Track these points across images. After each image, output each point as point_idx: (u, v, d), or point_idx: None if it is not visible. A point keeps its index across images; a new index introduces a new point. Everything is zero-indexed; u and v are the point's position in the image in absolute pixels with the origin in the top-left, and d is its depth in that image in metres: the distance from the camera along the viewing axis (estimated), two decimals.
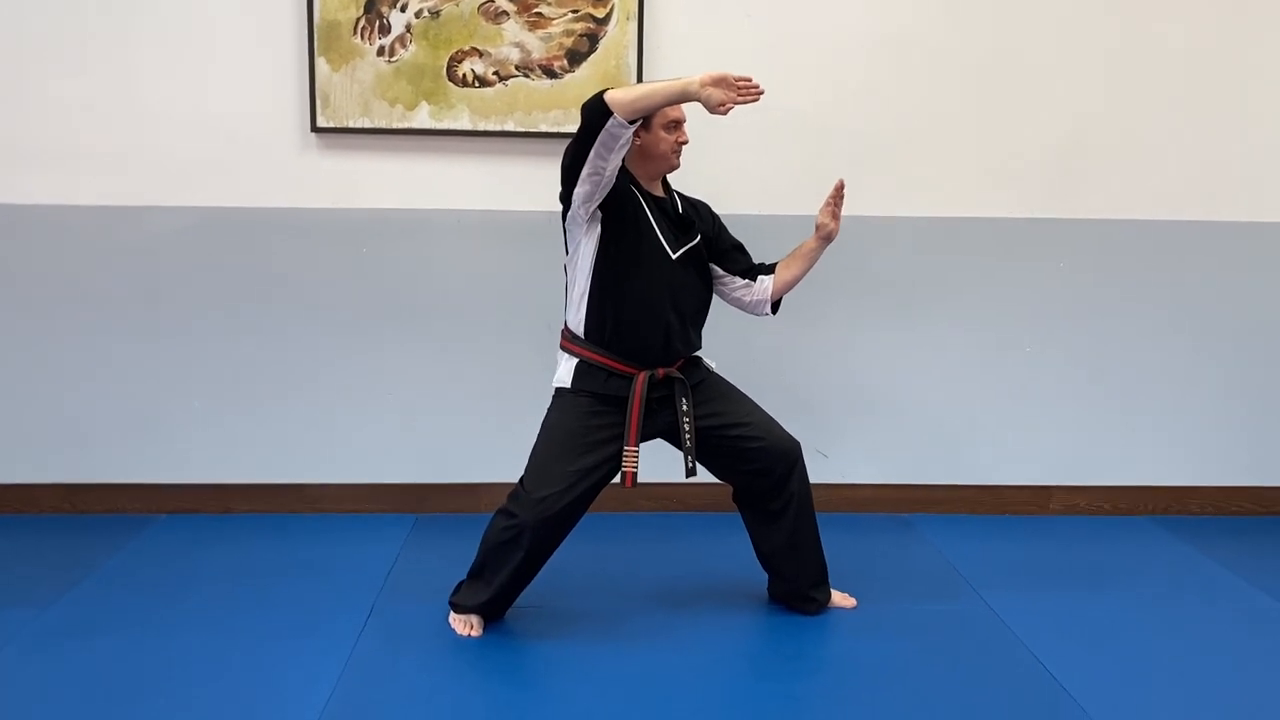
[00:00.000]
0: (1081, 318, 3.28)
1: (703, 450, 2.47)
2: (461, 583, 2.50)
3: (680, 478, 2.44)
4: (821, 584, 2.59)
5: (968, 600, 2.69)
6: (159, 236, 3.10)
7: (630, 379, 2.40)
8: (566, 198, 2.37)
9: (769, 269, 2.59)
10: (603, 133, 2.20)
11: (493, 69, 3.05)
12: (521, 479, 2.40)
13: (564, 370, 2.45)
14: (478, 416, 3.21)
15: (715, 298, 2.60)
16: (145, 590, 2.66)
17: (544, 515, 2.33)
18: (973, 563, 2.92)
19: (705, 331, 2.56)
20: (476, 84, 3.05)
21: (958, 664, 2.35)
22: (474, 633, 2.44)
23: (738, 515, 2.61)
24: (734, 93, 2.20)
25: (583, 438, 2.38)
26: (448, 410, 3.21)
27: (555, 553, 2.44)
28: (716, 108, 2.21)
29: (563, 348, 2.48)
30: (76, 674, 2.24)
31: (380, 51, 3.02)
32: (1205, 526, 3.27)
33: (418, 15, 3.01)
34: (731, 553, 2.82)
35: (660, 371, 2.42)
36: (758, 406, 2.54)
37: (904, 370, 3.28)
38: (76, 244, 3.09)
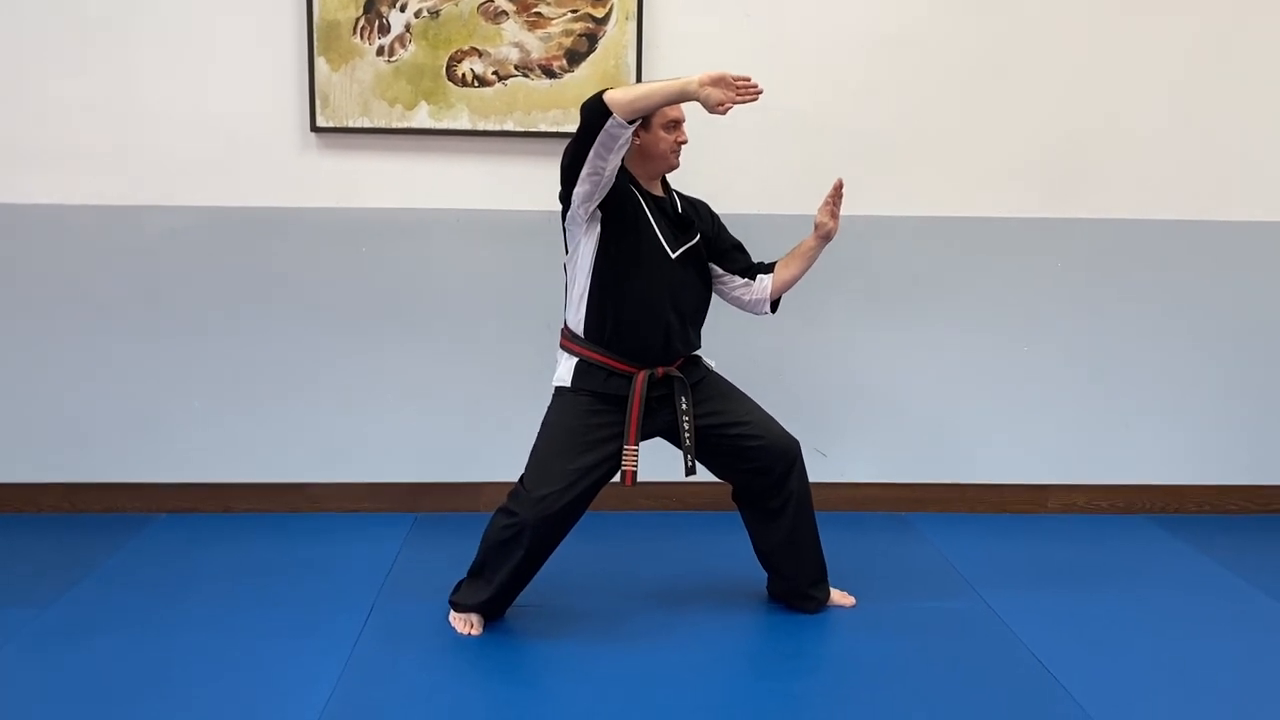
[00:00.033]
0: (1079, 317, 3.29)
1: (702, 449, 2.48)
2: (461, 581, 2.51)
3: (680, 476, 2.45)
4: (821, 582, 2.60)
5: (966, 598, 2.70)
6: (159, 236, 3.10)
7: (630, 378, 2.40)
8: (566, 197, 2.38)
9: (768, 268, 2.60)
10: (602, 133, 2.21)
11: (492, 69, 3.05)
12: (522, 478, 2.41)
13: (564, 369, 2.46)
14: (477, 416, 3.22)
15: (714, 297, 2.60)
16: (145, 589, 2.66)
17: (544, 514, 2.34)
18: (971, 561, 2.93)
19: (704, 330, 2.56)
20: (476, 84, 3.05)
21: (956, 662, 2.36)
22: (474, 631, 2.45)
23: (737, 514, 2.62)
24: (733, 92, 2.21)
25: (583, 436, 2.39)
26: (447, 409, 3.22)
27: (555, 551, 2.45)
28: (715, 107, 2.22)
29: (562, 347, 2.49)
30: (76, 673, 2.24)
31: (380, 51, 3.02)
32: (1202, 525, 3.28)
33: (417, 15, 3.01)
34: (731, 551, 2.82)
35: (660, 370, 2.43)
36: (757, 405, 2.55)
37: (903, 369, 3.28)
38: (76, 244, 3.10)
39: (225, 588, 2.68)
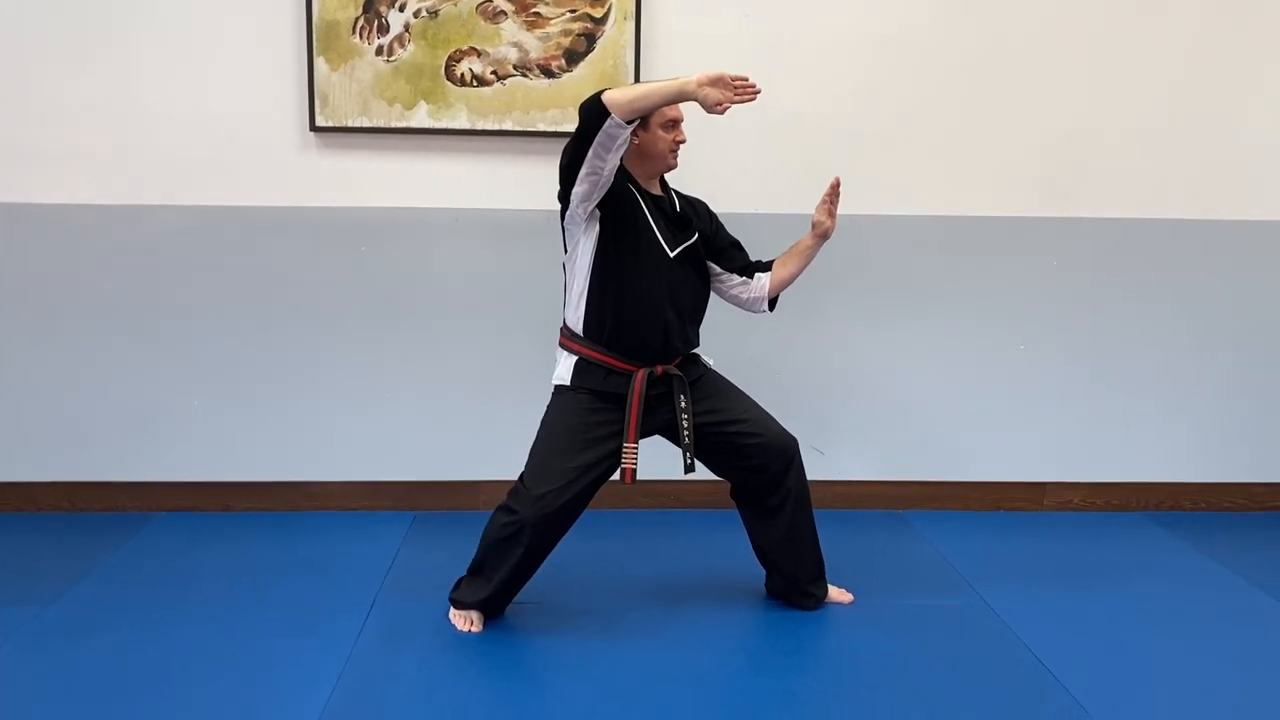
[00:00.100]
0: (1077, 316, 3.30)
1: (701, 447, 2.49)
2: (461, 579, 2.52)
3: (678, 474, 2.46)
4: (819, 579, 2.61)
5: (963, 595, 2.71)
6: (158, 236, 3.11)
7: (629, 376, 2.41)
8: (565, 197, 2.39)
9: (766, 266, 2.61)
10: (600, 133, 2.22)
11: (491, 68, 3.06)
12: (522, 475, 2.42)
13: (563, 368, 2.47)
14: (476, 414, 3.23)
15: (713, 295, 2.61)
16: (145, 588, 2.67)
17: (544, 511, 2.35)
18: (968, 558, 2.94)
19: (703, 329, 2.58)
20: (475, 83, 3.06)
21: (954, 658, 2.37)
22: (474, 628, 2.46)
23: (735, 511, 2.63)
24: (731, 92, 2.22)
25: (582, 434, 2.40)
26: (446, 408, 3.23)
27: (555, 549, 2.46)
28: (714, 107, 2.23)
29: (562, 345, 2.50)
30: (77, 671, 2.25)
31: (379, 51, 3.03)
32: (1198, 522, 3.30)
33: (416, 15, 3.02)
34: (729, 549, 2.84)
35: (659, 369, 2.44)
36: (755, 403, 2.56)
37: (900, 367, 3.30)
38: (76, 243, 3.10)
39: (225, 586, 2.69)
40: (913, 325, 3.28)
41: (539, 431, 2.46)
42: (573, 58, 3.06)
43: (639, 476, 2.43)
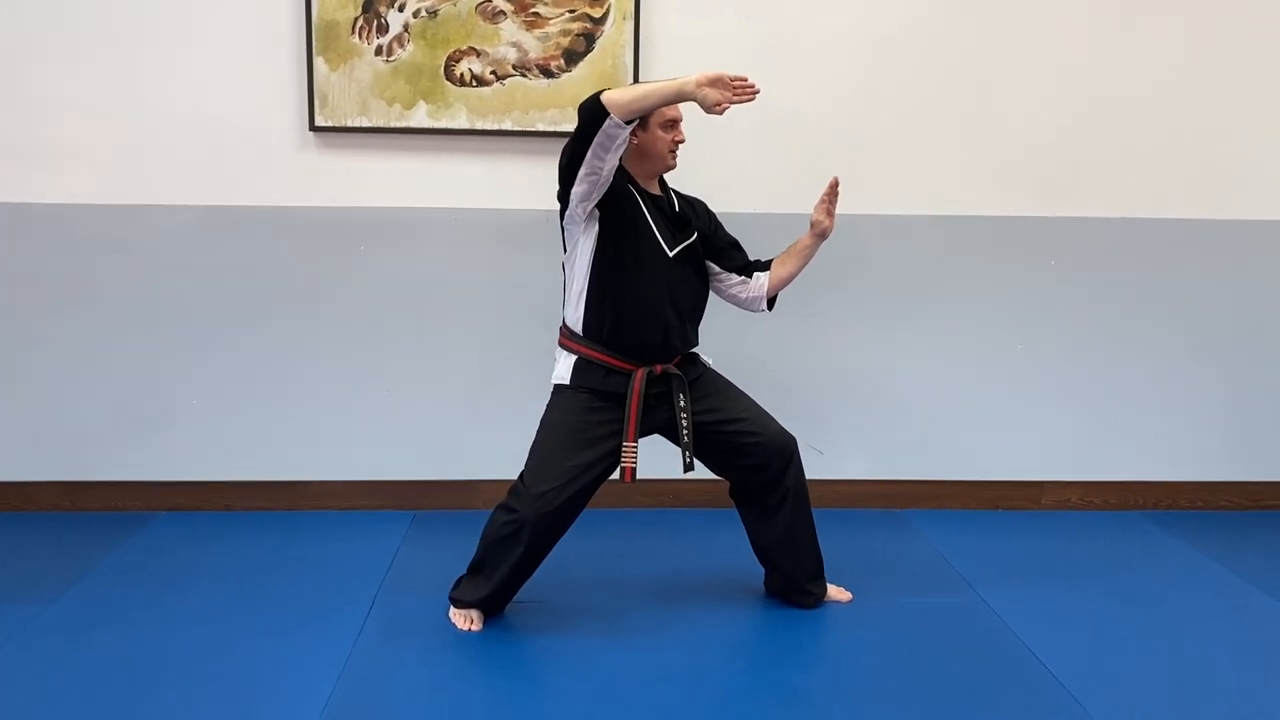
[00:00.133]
0: (1074, 315, 3.31)
1: (700, 445, 2.50)
2: (461, 578, 2.53)
3: (677, 473, 2.47)
4: (817, 578, 2.62)
5: (961, 593, 2.72)
6: (158, 235, 3.11)
7: (629, 375, 2.42)
8: (564, 196, 2.39)
9: (764, 266, 2.62)
10: (600, 133, 2.22)
11: (490, 68, 3.07)
12: (521, 474, 2.43)
13: (563, 367, 2.47)
14: (475, 413, 3.23)
15: (712, 295, 2.62)
16: (145, 587, 2.68)
17: (544, 510, 2.36)
18: (966, 557, 2.95)
19: (702, 328, 2.58)
20: (474, 83, 3.07)
21: (952, 656, 2.38)
22: (474, 627, 2.46)
23: (734, 510, 2.64)
24: (730, 92, 2.22)
25: (582, 433, 2.41)
26: (445, 407, 3.23)
27: (554, 548, 2.47)
28: (713, 107, 2.23)
29: (561, 345, 2.51)
30: (77, 670, 2.25)
31: (378, 51, 3.04)
32: (1193, 521, 3.31)
33: (415, 15, 3.03)
34: (728, 547, 2.85)
35: (658, 368, 2.45)
36: (754, 402, 2.57)
37: (898, 367, 3.31)
38: (76, 243, 3.11)
39: (225, 585, 2.69)
40: (911, 325, 3.29)
41: (539, 431, 2.47)
42: (572, 58, 3.07)
43: (638, 475, 2.44)
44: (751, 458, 2.50)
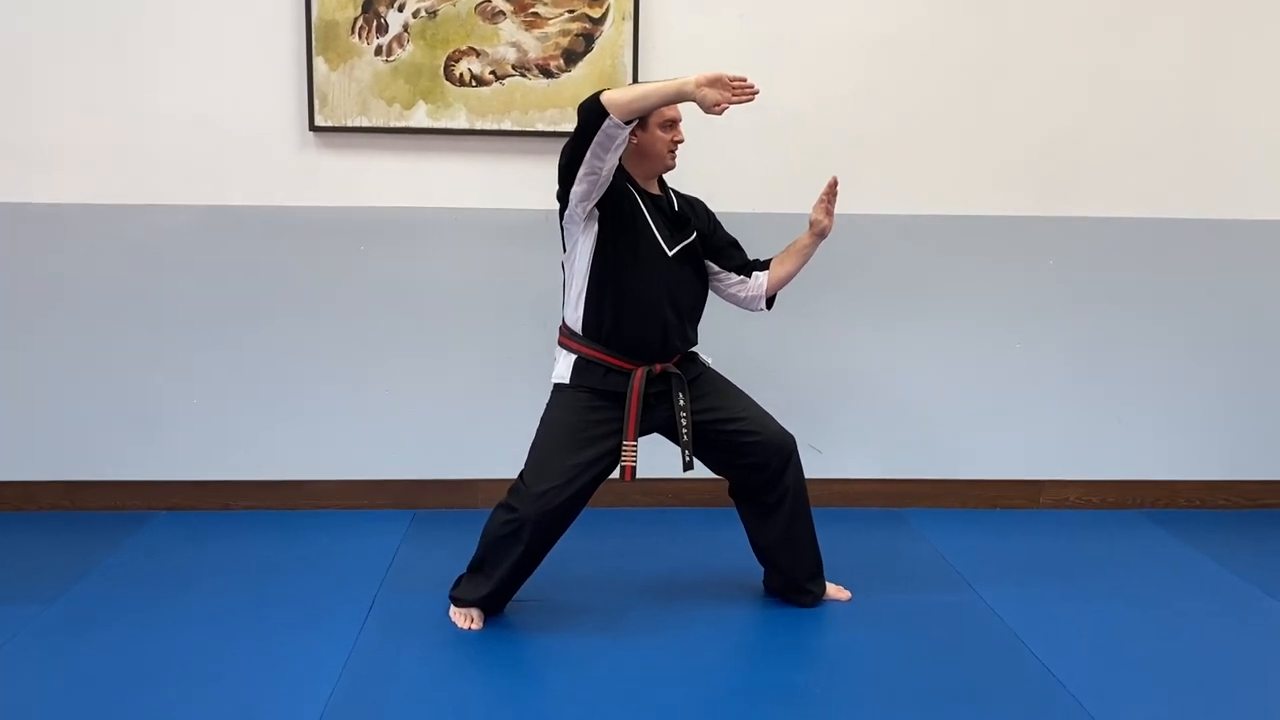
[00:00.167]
0: (1072, 315, 3.32)
1: (699, 444, 2.50)
2: (461, 577, 2.53)
3: (677, 472, 2.47)
4: (817, 576, 2.63)
5: (960, 592, 2.73)
6: (158, 235, 3.12)
7: (628, 374, 2.43)
8: (564, 196, 2.40)
9: (763, 265, 2.62)
10: (599, 133, 2.23)
11: (489, 68, 3.07)
12: (522, 473, 2.43)
13: (562, 366, 2.48)
14: (475, 413, 3.24)
15: (711, 294, 2.63)
16: (146, 586, 2.68)
17: (544, 509, 2.36)
18: (965, 555, 2.96)
19: (701, 327, 2.59)
20: (473, 83, 3.07)
21: (951, 654, 2.39)
22: (474, 626, 2.47)
23: (733, 510, 2.65)
24: (729, 93, 2.23)
25: (582, 432, 2.41)
26: (445, 407, 3.24)
27: (554, 547, 2.47)
28: (712, 108, 2.24)
29: (561, 344, 2.51)
30: (78, 669, 2.26)
31: (378, 51, 3.04)
32: (1192, 519, 3.32)
33: (415, 15, 3.03)
34: (727, 546, 2.85)
35: (658, 367, 2.45)
36: (753, 401, 2.58)
37: (896, 366, 3.31)
38: (75, 243, 3.11)
39: (226, 584, 2.70)
40: (910, 324, 3.29)
41: (539, 430, 2.48)
42: (571, 58, 3.07)
43: (638, 474, 2.44)
44: (750, 457, 2.51)
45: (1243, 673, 2.34)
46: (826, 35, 3.14)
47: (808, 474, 2.59)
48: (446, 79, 3.07)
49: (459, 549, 2.61)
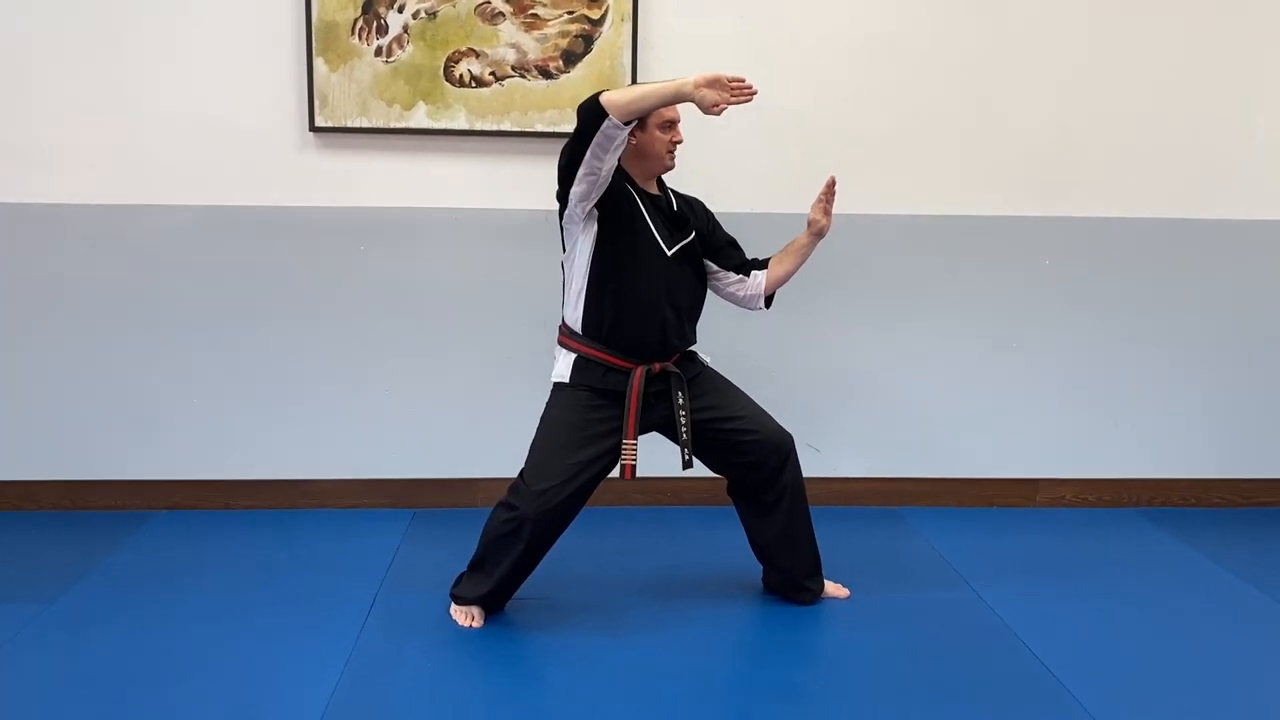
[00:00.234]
0: (1068, 314, 3.33)
1: (698, 443, 2.51)
2: (462, 575, 2.54)
3: (676, 471, 2.48)
4: (815, 574, 2.64)
5: (958, 590, 2.74)
6: (158, 235, 3.12)
7: (628, 373, 2.44)
8: (563, 196, 2.41)
9: (762, 264, 2.64)
10: (598, 134, 2.24)
11: (489, 69, 3.08)
12: (522, 472, 2.44)
13: (562, 365, 2.49)
14: (474, 412, 3.25)
15: (710, 293, 2.64)
16: (146, 586, 2.68)
17: (544, 508, 2.37)
18: (962, 554, 2.98)
19: (700, 327, 2.60)
20: (473, 84, 3.08)
21: (949, 652, 2.40)
22: (475, 624, 2.48)
23: (731, 508, 2.66)
24: (727, 93, 2.24)
25: (582, 431, 2.42)
26: (445, 406, 3.25)
27: (554, 545, 2.48)
28: (710, 108, 2.24)
29: (560, 343, 2.52)
30: (78, 669, 2.26)
31: (378, 52, 3.05)
32: (1187, 517, 3.34)
33: (415, 16, 3.04)
34: (726, 545, 2.86)
35: (657, 366, 2.46)
36: (751, 400, 2.59)
37: (894, 365, 3.33)
38: (75, 243, 3.11)
39: (227, 583, 2.70)
40: (908, 324, 3.31)
41: (538, 428, 2.49)
42: (570, 59, 3.08)
43: (637, 473, 2.45)
44: (749, 455, 2.52)
45: (1237, 669, 2.35)
46: (826, 35, 3.15)
47: (806, 473, 2.61)
48: (446, 80, 3.08)
49: (459, 548, 2.62)
